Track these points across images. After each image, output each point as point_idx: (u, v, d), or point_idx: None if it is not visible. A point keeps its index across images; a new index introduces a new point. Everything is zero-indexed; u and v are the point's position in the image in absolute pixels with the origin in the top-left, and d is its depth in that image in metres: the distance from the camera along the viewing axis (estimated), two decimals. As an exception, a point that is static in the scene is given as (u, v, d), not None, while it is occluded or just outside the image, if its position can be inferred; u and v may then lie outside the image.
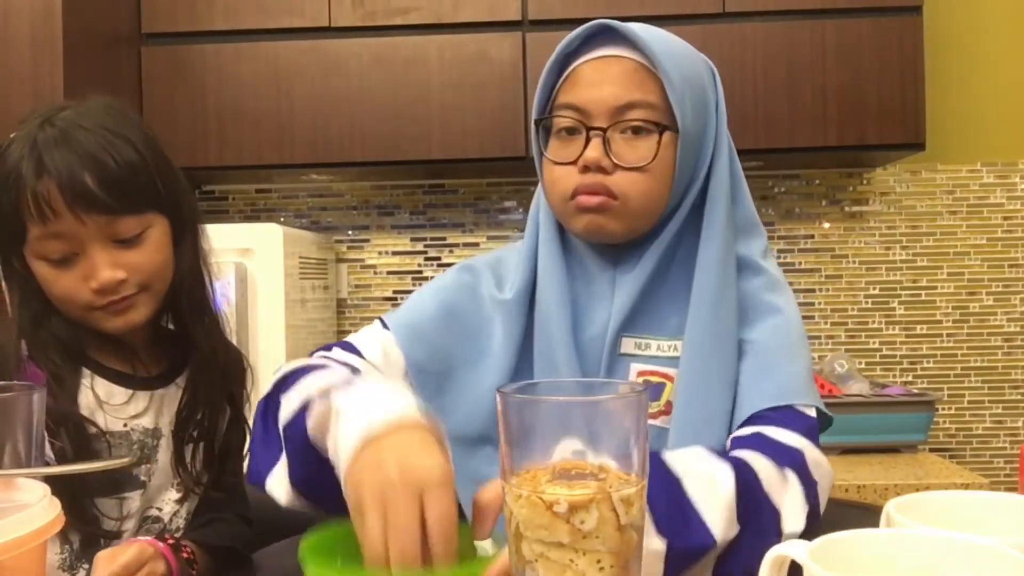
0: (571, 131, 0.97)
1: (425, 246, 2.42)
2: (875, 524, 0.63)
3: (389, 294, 2.43)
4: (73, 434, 0.94)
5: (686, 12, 2.02)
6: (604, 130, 0.94)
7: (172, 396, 1.04)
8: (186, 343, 1.06)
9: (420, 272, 2.42)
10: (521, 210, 2.39)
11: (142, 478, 1.01)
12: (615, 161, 0.94)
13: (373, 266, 2.44)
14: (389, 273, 2.43)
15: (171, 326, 1.09)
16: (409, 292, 2.40)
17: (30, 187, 0.90)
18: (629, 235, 0.98)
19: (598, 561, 0.56)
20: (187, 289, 1.04)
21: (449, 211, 2.42)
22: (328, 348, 1.00)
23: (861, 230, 2.35)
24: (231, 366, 1.10)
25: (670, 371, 0.97)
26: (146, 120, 1.18)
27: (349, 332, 2.41)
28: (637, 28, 0.95)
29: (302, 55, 2.08)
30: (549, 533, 0.56)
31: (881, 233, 2.35)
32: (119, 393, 1.00)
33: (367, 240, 2.44)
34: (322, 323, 2.27)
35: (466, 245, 2.41)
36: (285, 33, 2.08)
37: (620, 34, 0.96)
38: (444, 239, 2.42)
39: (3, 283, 0.98)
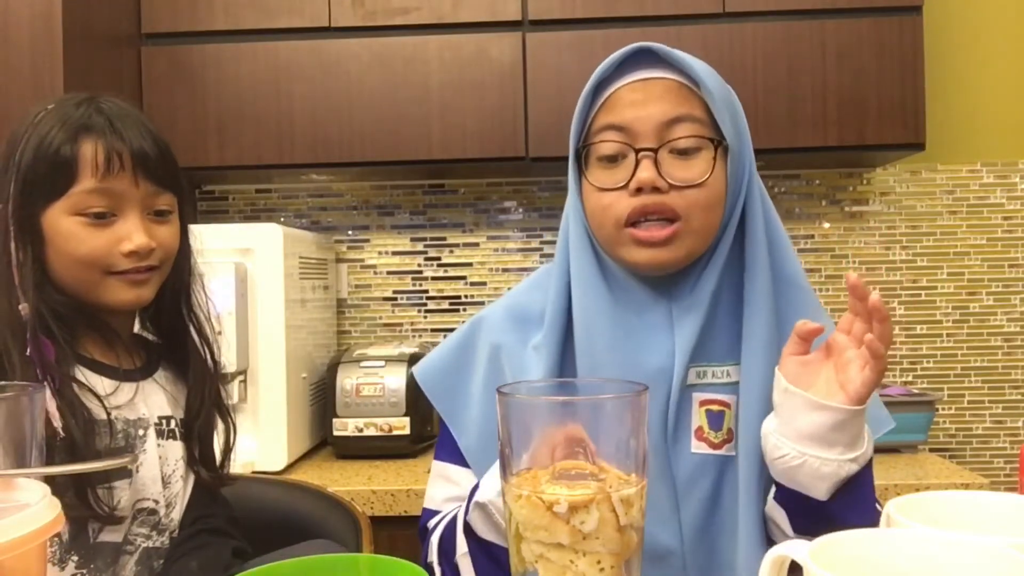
0: (614, 158, 0.93)
1: (425, 246, 2.42)
2: (875, 524, 0.63)
3: (389, 294, 2.43)
4: (81, 419, 0.94)
5: (686, 12, 2.02)
6: (654, 151, 0.91)
7: (153, 390, 1.06)
8: (169, 338, 1.09)
9: (420, 272, 2.42)
10: (521, 210, 2.38)
11: (128, 466, 1.01)
12: (669, 182, 0.91)
13: (373, 266, 2.44)
14: (389, 273, 2.43)
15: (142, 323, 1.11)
16: (409, 292, 2.41)
17: (102, 138, 0.94)
18: (688, 262, 0.94)
19: (598, 562, 0.56)
20: (184, 283, 1.09)
21: (449, 211, 2.42)
22: (433, 527, 1.02)
23: (861, 230, 2.35)
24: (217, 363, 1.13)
25: (727, 398, 0.95)
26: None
27: (349, 332, 2.43)
28: (673, 51, 0.93)
29: (302, 55, 2.08)
30: (549, 534, 0.56)
31: (881, 233, 2.35)
32: (105, 384, 1.01)
33: (367, 240, 2.43)
34: (322, 323, 2.27)
35: (466, 245, 2.41)
36: (285, 33, 2.08)
37: (656, 56, 0.94)
38: (444, 239, 2.42)
39: (13, 244, 0.96)
